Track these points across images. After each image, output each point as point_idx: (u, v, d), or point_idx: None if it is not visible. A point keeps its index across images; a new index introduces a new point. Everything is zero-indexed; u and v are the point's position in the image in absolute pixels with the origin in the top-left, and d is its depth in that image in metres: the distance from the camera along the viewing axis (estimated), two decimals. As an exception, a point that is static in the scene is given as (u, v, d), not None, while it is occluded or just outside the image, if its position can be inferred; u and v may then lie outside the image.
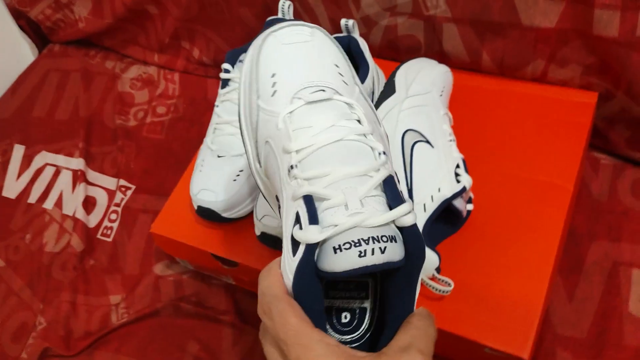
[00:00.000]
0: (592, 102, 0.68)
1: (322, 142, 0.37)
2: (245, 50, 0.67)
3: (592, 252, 0.70)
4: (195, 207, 0.66)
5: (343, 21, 0.66)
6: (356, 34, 0.67)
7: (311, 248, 0.33)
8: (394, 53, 0.76)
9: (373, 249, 0.32)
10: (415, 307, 0.36)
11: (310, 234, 0.33)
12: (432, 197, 0.57)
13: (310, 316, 0.33)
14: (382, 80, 0.71)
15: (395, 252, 0.33)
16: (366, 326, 0.38)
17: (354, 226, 0.33)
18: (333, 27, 0.77)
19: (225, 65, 0.66)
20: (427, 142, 0.60)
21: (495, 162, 0.65)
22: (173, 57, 0.99)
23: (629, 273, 0.67)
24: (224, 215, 0.65)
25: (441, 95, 0.65)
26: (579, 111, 0.68)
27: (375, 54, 0.78)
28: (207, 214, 0.65)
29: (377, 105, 0.62)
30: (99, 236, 0.85)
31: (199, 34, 0.92)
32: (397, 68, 0.65)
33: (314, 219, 0.33)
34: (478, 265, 0.59)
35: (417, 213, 0.57)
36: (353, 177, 0.35)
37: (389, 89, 0.63)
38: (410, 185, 0.58)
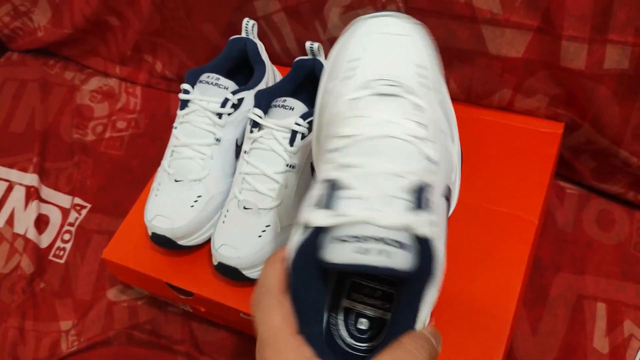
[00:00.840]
0: (558, 132, 0.67)
1: (370, 133, 0.35)
2: (206, 70, 0.64)
3: (557, 284, 0.69)
4: (150, 234, 0.63)
5: (308, 44, 0.64)
6: (322, 57, 0.65)
7: (315, 231, 0.32)
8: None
9: (378, 250, 0.31)
10: (421, 326, 0.34)
11: (316, 217, 0.32)
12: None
13: (304, 304, 0.32)
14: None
15: (402, 261, 0.31)
16: (382, 339, 0.36)
17: (364, 221, 0.31)
18: (300, 49, 0.75)
19: (185, 86, 0.63)
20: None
21: (459, 192, 0.63)
22: (135, 69, 0.96)
23: (593, 307, 0.67)
24: (180, 243, 0.62)
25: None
26: (545, 141, 0.67)
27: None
28: (162, 241, 0.62)
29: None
30: (50, 257, 0.81)
31: (162, 48, 0.89)
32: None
33: (329, 204, 0.32)
34: (441, 299, 0.57)
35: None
36: (386, 175, 0.33)
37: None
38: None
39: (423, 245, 0.32)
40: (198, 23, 0.80)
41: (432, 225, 0.32)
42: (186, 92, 0.63)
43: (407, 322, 0.33)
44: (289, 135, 0.59)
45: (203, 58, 0.84)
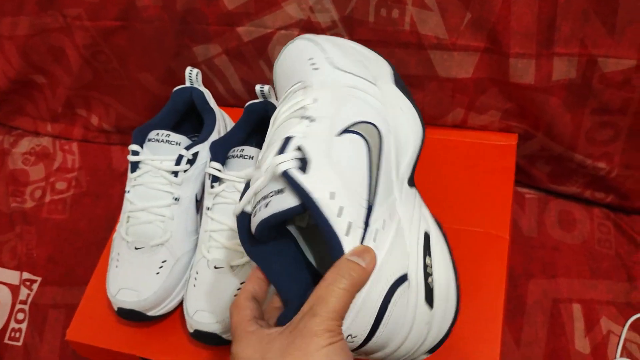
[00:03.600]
0: (513, 144, 0.68)
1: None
2: (153, 127, 0.61)
3: (531, 291, 0.70)
4: (116, 309, 0.59)
5: (258, 87, 0.62)
6: (273, 99, 0.63)
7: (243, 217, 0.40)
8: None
9: (261, 207, 0.37)
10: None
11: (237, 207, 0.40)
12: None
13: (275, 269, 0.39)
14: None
15: (281, 203, 0.36)
16: None
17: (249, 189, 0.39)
18: (247, 91, 0.73)
19: (133, 147, 0.60)
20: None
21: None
22: (68, 125, 0.90)
23: (569, 309, 0.68)
24: (150, 314, 0.58)
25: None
26: (502, 154, 0.67)
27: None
28: (130, 315, 0.58)
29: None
30: (6, 341, 0.75)
31: (96, 101, 0.85)
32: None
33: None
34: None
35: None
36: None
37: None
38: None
39: (287, 179, 0.36)
40: (134, 73, 0.76)
41: (286, 161, 0.37)
42: (135, 153, 0.60)
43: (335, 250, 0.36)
44: (252, 186, 0.56)
45: (142, 108, 0.80)
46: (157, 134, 0.60)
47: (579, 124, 0.63)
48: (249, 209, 0.39)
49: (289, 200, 0.36)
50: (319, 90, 0.45)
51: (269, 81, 0.69)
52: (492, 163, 0.66)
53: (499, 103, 0.64)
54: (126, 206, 0.60)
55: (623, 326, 0.65)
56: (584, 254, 0.71)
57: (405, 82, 0.65)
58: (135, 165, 0.60)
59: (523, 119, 0.65)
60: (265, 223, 0.37)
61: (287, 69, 0.51)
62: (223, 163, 0.58)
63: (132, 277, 0.58)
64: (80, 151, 0.91)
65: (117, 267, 0.59)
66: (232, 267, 0.56)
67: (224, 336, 0.55)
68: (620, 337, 0.64)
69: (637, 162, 0.65)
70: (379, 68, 0.50)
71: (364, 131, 0.41)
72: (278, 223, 0.37)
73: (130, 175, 0.60)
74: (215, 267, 0.56)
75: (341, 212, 0.35)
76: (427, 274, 0.41)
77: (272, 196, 0.37)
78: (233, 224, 0.56)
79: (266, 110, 0.63)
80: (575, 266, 0.70)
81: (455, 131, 0.70)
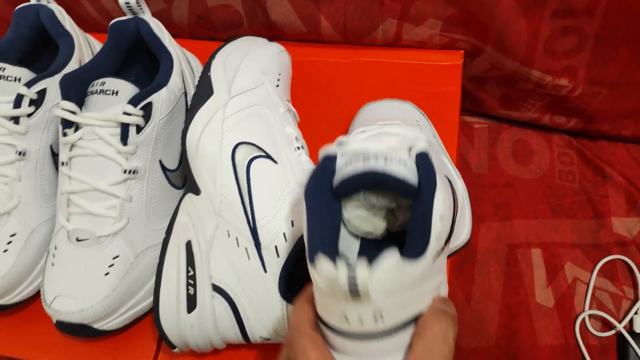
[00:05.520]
0: (458, 64, 0.55)
1: None
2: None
3: (483, 237, 0.59)
4: (-45, 300, 0.45)
5: (122, 0, 0.47)
6: (146, 15, 0.48)
7: (326, 161, 0.33)
8: (209, 30, 0.58)
9: (383, 157, 0.32)
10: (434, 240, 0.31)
11: (329, 149, 0.33)
12: (284, 235, 0.42)
13: (318, 230, 0.32)
14: (199, 71, 0.53)
15: (401, 170, 0.32)
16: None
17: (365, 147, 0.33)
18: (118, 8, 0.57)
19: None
20: (268, 156, 0.43)
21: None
22: None
23: (528, 256, 0.58)
24: (1, 303, 0.45)
25: (278, 86, 0.48)
26: (445, 77, 0.55)
27: (186, 35, 0.60)
28: (-26, 307, 0.45)
29: (191, 112, 0.45)
30: None
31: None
32: (212, 57, 0.47)
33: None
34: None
35: (268, 259, 0.41)
36: None
37: (204, 89, 0.45)
38: (253, 220, 0.42)
39: (423, 159, 0.32)
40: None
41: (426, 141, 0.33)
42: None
43: (421, 237, 0.31)
44: (118, 130, 0.42)
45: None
46: (-12, 68, 0.45)
47: (535, 31, 0.50)
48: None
49: (405, 174, 0.32)
50: None
51: (146, -7, 0.54)
52: (434, 88, 0.55)
53: (438, 9, 0.51)
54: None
55: (591, 272, 0.55)
56: (543, 190, 0.60)
57: (320, -12, 0.51)
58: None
59: (468, 29, 0.53)
60: (375, 177, 0.32)
61: None
62: (80, 102, 0.44)
63: (-30, 259, 0.44)
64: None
65: (-50, 246, 0.45)
66: (99, 238, 0.43)
67: (95, 326, 0.43)
68: (588, 285, 0.55)
69: (606, 77, 0.53)
70: None
71: None
72: (376, 185, 0.33)
73: (-42, 125, 0.45)
74: (78, 240, 0.43)
75: (440, 234, 0.31)
76: None
77: (395, 159, 0.32)
78: (97, 181, 0.43)
79: (137, 30, 0.48)
80: (534, 205, 0.60)
81: (388, 51, 0.57)
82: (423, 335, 0.31)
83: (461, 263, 0.58)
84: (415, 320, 0.31)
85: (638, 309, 0.52)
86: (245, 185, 0.42)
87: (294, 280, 0.44)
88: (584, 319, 0.53)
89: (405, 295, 0.30)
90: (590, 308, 0.54)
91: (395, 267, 0.28)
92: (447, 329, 0.31)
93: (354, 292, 0.28)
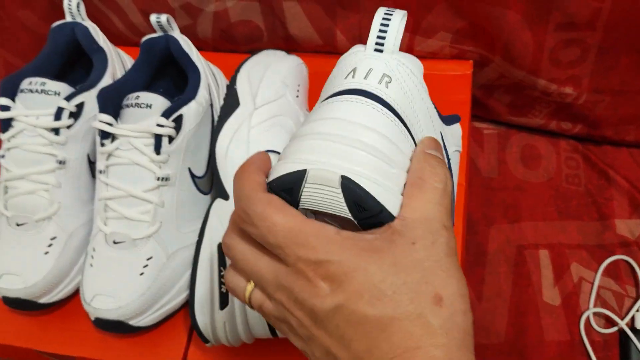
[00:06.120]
0: (468, 73, 0.58)
1: None
2: (27, 74, 0.49)
3: (492, 238, 0.62)
4: (0, 298, 0.48)
5: (153, 17, 0.50)
6: (175, 32, 0.52)
7: None
8: (231, 44, 0.62)
9: None
10: None
11: None
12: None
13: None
14: (223, 82, 0.56)
15: None
16: None
17: None
18: (148, 23, 0.61)
19: (3, 100, 0.48)
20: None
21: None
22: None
23: (536, 256, 0.60)
24: (41, 301, 0.48)
25: (297, 97, 0.52)
26: (455, 85, 0.58)
27: (210, 48, 0.63)
28: (18, 305, 0.48)
29: (220, 122, 0.48)
30: None
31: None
32: (237, 71, 0.51)
33: None
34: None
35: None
36: None
37: (231, 101, 0.49)
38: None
39: None
40: (13, 11, 0.63)
41: None
42: (5, 108, 0.48)
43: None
44: (152, 141, 0.46)
45: (29, 52, 0.67)
46: (30, 82, 0.48)
47: (541, 43, 0.53)
48: None
49: None
50: None
51: (173, 10, 0.57)
52: (445, 96, 0.57)
53: (448, 22, 0.54)
54: (2, 174, 0.49)
55: (596, 272, 0.58)
56: (551, 194, 0.63)
57: (336, 4, 0.54)
58: (7, 124, 0.48)
59: (477, 41, 0.56)
60: None
61: None
62: (116, 114, 0.47)
63: (16, 260, 0.48)
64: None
65: (-4, 248, 0.48)
66: (134, 240, 0.46)
67: (131, 322, 0.46)
68: (593, 284, 0.57)
69: (608, 85, 0.56)
70: None
71: None
72: None
73: (2, 136, 0.49)
74: (115, 242, 0.46)
75: None
76: None
77: None
78: (132, 188, 0.46)
79: (167, 47, 0.51)
80: (541, 207, 0.63)
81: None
82: (423, 187, 0.28)
83: (472, 264, 0.61)
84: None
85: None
86: (270, 192, 0.45)
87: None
88: (588, 317, 0.56)
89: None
90: (594, 306, 0.56)
91: None
92: (446, 180, 0.28)
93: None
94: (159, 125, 0.45)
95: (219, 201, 0.46)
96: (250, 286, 0.29)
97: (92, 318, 0.47)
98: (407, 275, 0.26)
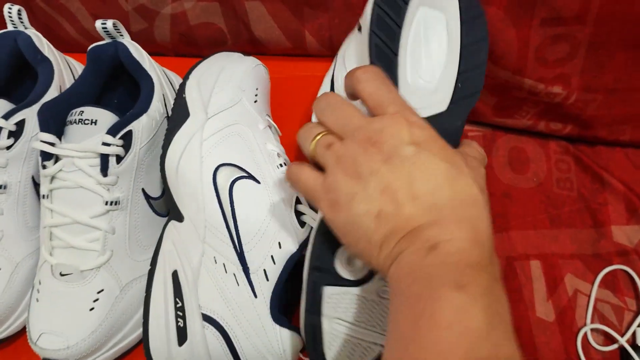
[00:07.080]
0: (449, 73, 0.54)
1: None
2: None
3: (481, 250, 0.58)
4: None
5: (98, 23, 0.46)
6: (125, 38, 0.47)
7: None
8: (193, 48, 0.57)
9: None
10: None
11: None
12: (272, 257, 0.41)
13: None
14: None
15: None
16: None
17: None
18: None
19: None
20: (250, 176, 0.42)
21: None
22: None
23: (527, 268, 0.56)
24: (-14, 339, 0.44)
25: (256, 102, 0.47)
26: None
27: (171, 53, 0.59)
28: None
29: (168, 137, 0.43)
30: None
31: None
32: (186, 77, 0.46)
33: None
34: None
35: (257, 284, 0.40)
36: None
37: (179, 112, 0.44)
38: (239, 244, 0.41)
39: None
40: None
41: None
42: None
43: None
44: (98, 161, 0.41)
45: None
46: (-36, 100, 0.44)
47: (526, 40, 0.49)
48: None
49: None
50: None
51: (127, 14, 0.53)
52: (424, 99, 0.53)
53: (425, 21, 0.50)
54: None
55: (592, 283, 0.54)
56: (541, 199, 0.59)
57: (303, 3, 0.50)
58: None
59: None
60: None
61: None
62: (60, 133, 0.43)
63: (-45, 296, 0.43)
64: None
65: None
66: (83, 272, 0.42)
67: (82, 364, 0.42)
68: (589, 297, 0.53)
69: (601, 83, 0.52)
70: None
71: None
72: None
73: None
74: (62, 274, 0.42)
75: None
76: None
77: None
78: (78, 214, 0.42)
79: (117, 54, 0.47)
80: (531, 215, 0.58)
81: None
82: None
83: (459, 276, 0.57)
84: None
85: (641, 321, 0.51)
86: (229, 209, 0.41)
87: (285, 303, 0.43)
88: (585, 333, 0.52)
89: None
90: (592, 321, 0.52)
91: None
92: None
93: None
94: (104, 144, 0.41)
95: (172, 224, 0.42)
96: (321, 133, 0.34)
97: (41, 358, 0.42)
98: None
